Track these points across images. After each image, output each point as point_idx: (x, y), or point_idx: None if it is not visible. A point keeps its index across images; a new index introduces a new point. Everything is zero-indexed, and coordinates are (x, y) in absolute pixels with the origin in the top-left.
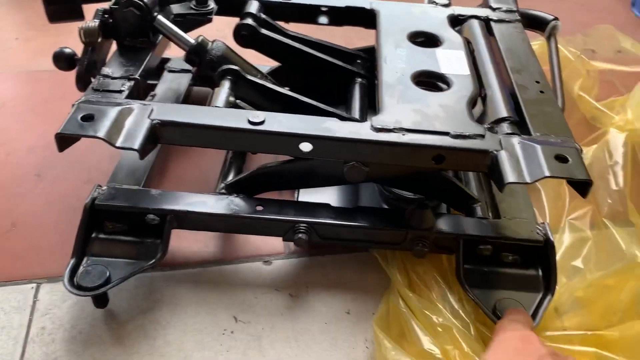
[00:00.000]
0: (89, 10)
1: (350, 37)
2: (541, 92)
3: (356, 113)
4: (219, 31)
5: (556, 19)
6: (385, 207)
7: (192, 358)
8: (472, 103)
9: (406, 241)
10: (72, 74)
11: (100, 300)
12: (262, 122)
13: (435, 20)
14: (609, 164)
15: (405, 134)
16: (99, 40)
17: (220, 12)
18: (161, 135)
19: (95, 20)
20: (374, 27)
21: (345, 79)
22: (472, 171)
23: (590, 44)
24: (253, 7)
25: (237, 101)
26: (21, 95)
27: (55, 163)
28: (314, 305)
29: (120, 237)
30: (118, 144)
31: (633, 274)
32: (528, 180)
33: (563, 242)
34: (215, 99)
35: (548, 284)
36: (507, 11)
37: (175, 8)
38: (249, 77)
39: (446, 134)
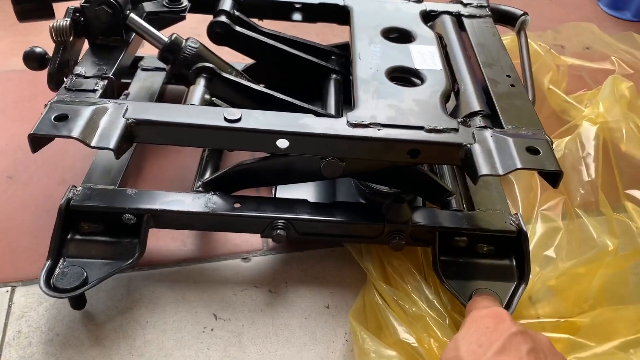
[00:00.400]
0: (60, 8)
1: (325, 34)
2: (512, 85)
3: (331, 109)
4: (193, 29)
5: (525, 13)
6: (362, 201)
7: (173, 357)
8: (445, 97)
9: (383, 235)
10: (42, 74)
11: (78, 302)
12: (238, 120)
13: (407, 16)
14: (581, 156)
15: (380, 129)
16: (71, 39)
17: (194, 9)
18: (137, 134)
19: (67, 18)
20: (348, 24)
21: (320, 75)
22: (446, 164)
23: (560, 40)
24: (226, 4)
25: (213, 99)
26: None
27: (28, 164)
28: (294, 300)
29: (97, 238)
30: (93, 143)
31: (603, 262)
32: (501, 172)
33: (536, 232)
34: (190, 97)
35: (522, 274)
36: (477, 6)
37: (148, 6)
38: (224, 74)
39: (421, 128)
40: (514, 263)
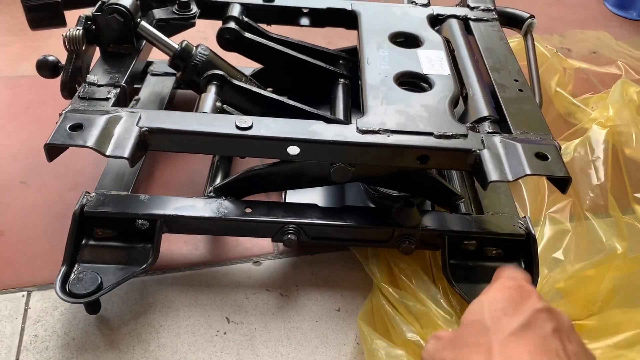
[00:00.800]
0: (71, 15)
1: (332, 37)
2: (520, 90)
3: (340, 114)
4: (200, 32)
5: (532, 16)
6: (372, 205)
7: None
8: (454, 103)
9: (393, 239)
10: (52, 79)
11: (93, 307)
12: (250, 127)
13: (415, 20)
14: (590, 159)
15: (390, 135)
16: (84, 47)
17: (203, 15)
18: (150, 142)
19: (79, 27)
20: (355, 28)
21: (328, 80)
22: (456, 169)
23: (566, 44)
24: (235, 10)
25: (224, 106)
26: (2, 102)
27: (40, 170)
28: (305, 303)
29: (111, 243)
30: (108, 152)
31: (612, 265)
32: (510, 178)
33: (544, 234)
34: (202, 105)
35: (531, 277)
36: (484, 10)
37: (158, 13)
38: (235, 81)
39: (430, 134)
40: (523, 266)
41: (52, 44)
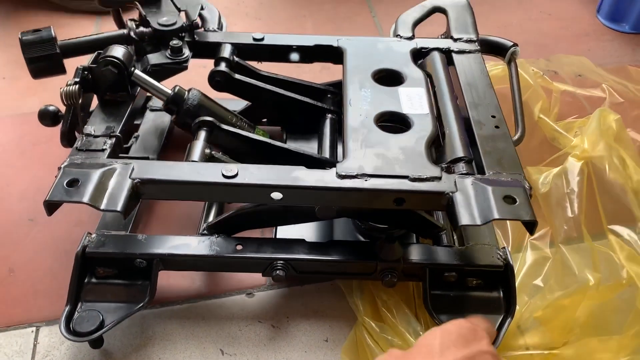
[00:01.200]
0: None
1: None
2: (496, 127)
3: (326, 150)
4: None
5: (515, 45)
6: (360, 237)
7: None
8: (431, 143)
9: (376, 272)
10: None
11: (96, 342)
12: (235, 175)
13: (398, 56)
14: (566, 192)
15: (367, 180)
16: (80, 101)
17: (197, 55)
18: (142, 192)
19: (76, 79)
20: (342, 63)
21: (316, 115)
22: (432, 210)
23: (552, 67)
24: (226, 51)
25: (213, 152)
26: (11, 139)
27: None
28: (294, 334)
29: (112, 281)
30: (102, 207)
31: (586, 295)
32: (479, 222)
33: (525, 261)
34: (191, 154)
35: (508, 307)
36: (467, 41)
37: (152, 58)
38: (224, 126)
39: (405, 177)
40: (501, 295)
41: (59, 79)
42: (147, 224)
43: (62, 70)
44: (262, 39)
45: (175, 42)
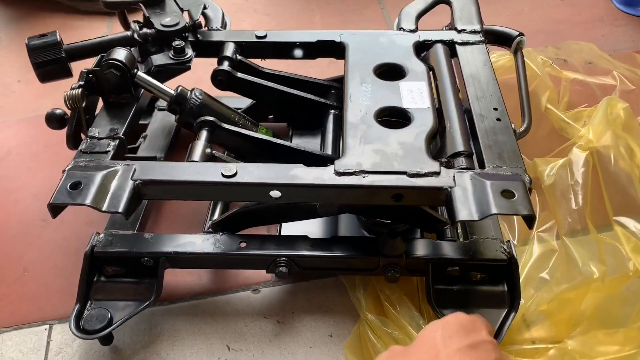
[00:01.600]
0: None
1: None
2: (498, 119)
3: (329, 146)
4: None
5: (521, 34)
6: (365, 232)
7: None
8: (431, 137)
9: (379, 268)
10: None
11: (106, 339)
12: (234, 175)
13: (400, 49)
14: (570, 184)
15: (365, 176)
16: (83, 104)
17: (200, 54)
18: (144, 193)
19: (81, 82)
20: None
21: (320, 111)
22: (431, 205)
23: (561, 55)
24: (229, 49)
25: (214, 152)
26: (24, 141)
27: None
28: (300, 330)
29: (120, 280)
30: (104, 208)
31: (590, 287)
32: (476, 217)
33: (532, 254)
34: (192, 154)
35: (512, 301)
36: (471, 32)
37: (156, 59)
38: (225, 125)
39: (403, 173)
40: (506, 289)
41: (73, 81)
42: (155, 223)
43: (68, 74)
44: (265, 37)
45: (177, 42)
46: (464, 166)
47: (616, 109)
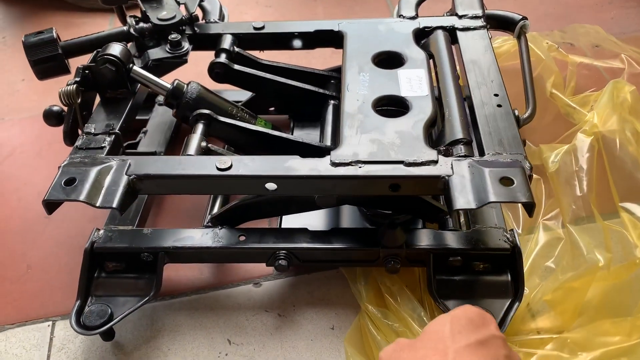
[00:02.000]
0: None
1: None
2: (499, 105)
3: (328, 138)
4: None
5: (524, 18)
6: (366, 224)
7: None
8: (429, 126)
9: (380, 259)
10: None
11: (107, 335)
12: (229, 168)
13: (399, 37)
14: (574, 170)
15: (361, 166)
16: (79, 100)
17: (198, 48)
18: (139, 188)
19: (76, 79)
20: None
21: (319, 102)
22: (429, 194)
23: (568, 39)
24: (226, 42)
25: (209, 145)
26: (28, 140)
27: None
28: (301, 323)
29: (120, 275)
30: (98, 204)
31: (595, 276)
32: (474, 206)
33: (538, 242)
34: (187, 147)
35: (516, 291)
36: (473, 17)
37: (152, 53)
38: (221, 118)
39: (400, 162)
40: (509, 279)
41: (71, 77)
42: (155, 218)
43: (66, 70)
44: (263, 28)
45: (173, 36)
46: (463, 154)
47: (623, 92)
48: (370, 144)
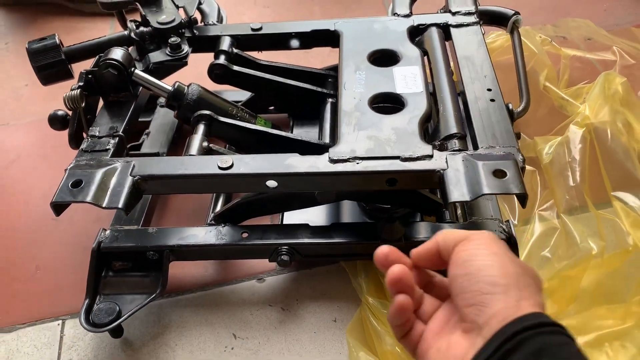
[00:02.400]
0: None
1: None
2: (492, 100)
3: (326, 135)
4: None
5: (517, 13)
6: (366, 218)
7: None
8: (424, 121)
9: None
10: None
11: (116, 332)
12: (230, 167)
13: (394, 35)
14: (567, 161)
15: (359, 162)
16: (83, 104)
17: (197, 50)
18: (144, 189)
19: (80, 83)
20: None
21: (317, 100)
22: (426, 188)
23: (560, 32)
24: (225, 43)
25: (210, 145)
26: (33, 144)
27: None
28: (304, 316)
29: (127, 274)
30: (104, 205)
31: (589, 264)
32: (468, 198)
33: (534, 233)
34: (189, 148)
35: None
36: (466, 14)
37: (153, 57)
38: (221, 118)
39: (396, 157)
40: None
41: (75, 82)
42: (160, 218)
43: (69, 75)
44: (260, 29)
45: (173, 39)
46: (457, 148)
47: (614, 84)
48: (367, 141)
